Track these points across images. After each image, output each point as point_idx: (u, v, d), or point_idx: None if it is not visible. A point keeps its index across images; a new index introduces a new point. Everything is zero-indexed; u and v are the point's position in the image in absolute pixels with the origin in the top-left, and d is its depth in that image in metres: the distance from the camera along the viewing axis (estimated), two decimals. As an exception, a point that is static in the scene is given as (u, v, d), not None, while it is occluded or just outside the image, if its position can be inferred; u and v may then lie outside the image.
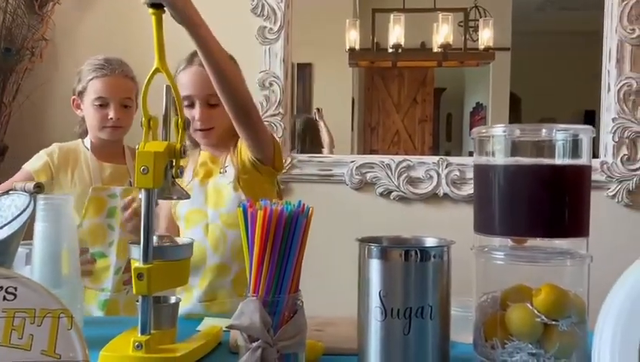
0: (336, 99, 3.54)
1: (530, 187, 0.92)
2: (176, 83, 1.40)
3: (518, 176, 0.92)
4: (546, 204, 0.91)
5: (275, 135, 1.65)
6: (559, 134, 0.96)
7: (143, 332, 0.95)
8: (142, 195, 0.96)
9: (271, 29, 2.31)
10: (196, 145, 1.50)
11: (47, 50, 2.41)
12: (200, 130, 1.41)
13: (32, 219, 0.97)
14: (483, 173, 0.97)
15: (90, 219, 1.63)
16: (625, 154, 2.21)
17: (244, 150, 1.41)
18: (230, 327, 0.76)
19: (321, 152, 3.11)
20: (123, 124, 1.69)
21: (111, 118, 1.66)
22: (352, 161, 2.33)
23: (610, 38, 2.21)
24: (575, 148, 0.95)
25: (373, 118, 3.99)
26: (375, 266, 0.91)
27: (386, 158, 2.33)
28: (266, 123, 1.87)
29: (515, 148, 0.97)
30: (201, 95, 1.41)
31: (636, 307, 0.60)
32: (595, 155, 2.26)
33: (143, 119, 0.99)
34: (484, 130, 0.98)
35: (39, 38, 2.36)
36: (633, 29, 2.17)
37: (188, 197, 1.04)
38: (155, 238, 1.01)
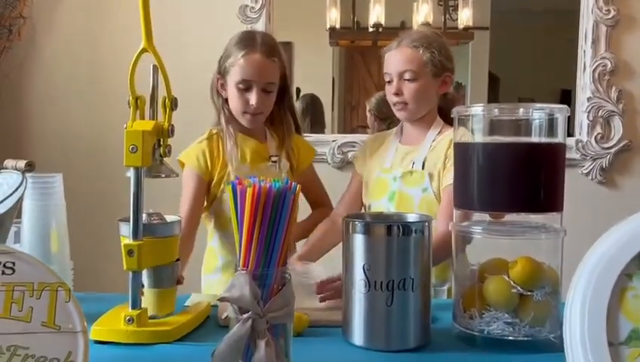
0: (316, 78, 3.55)
1: (507, 164, 0.96)
2: (234, 65, 1.45)
3: (496, 154, 0.96)
4: (522, 180, 0.95)
5: None
6: (536, 113, 1.00)
7: (133, 307, 0.98)
8: (130, 173, 0.97)
9: (252, 7, 2.32)
10: (241, 129, 1.52)
11: (26, 28, 2.38)
12: (252, 113, 1.47)
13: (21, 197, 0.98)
14: (463, 151, 1.01)
15: None
16: (599, 133, 2.27)
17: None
18: (222, 299, 0.79)
19: (322, 132, 3.12)
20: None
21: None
22: (334, 140, 2.37)
23: (587, 19, 2.25)
24: (550, 126, 0.99)
25: (354, 97, 4.01)
26: (359, 241, 0.96)
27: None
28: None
29: (493, 127, 1.01)
30: (261, 82, 1.46)
31: (602, 277, 0.64)
32: (571, 134, 2.32)
33: (130, 98, 1.01)
34: (464, 110, 1.01)
35: (17, 15, 2.33)
36: (609, 10, 2.22)
37: (176, 175, 1.06)
38: (144, 216, 1.03)
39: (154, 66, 1.01)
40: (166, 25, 2.39)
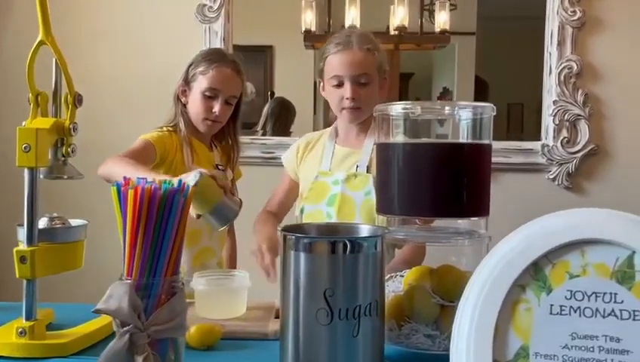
0: (298, 81, 3.49)
1: (427, 166, 0.90)
2: (205, 73, 1.51)
3: (415, 156, 0.90)
4: (443, 183, 0.89)
5: None
6: (461, 112, 0.95)
7: (28, 318, 0.91)
8: (25, 174, 0.91)
9: (211, 7, 2.26)
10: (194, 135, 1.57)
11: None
12: (213, 120, 1.53)
13: None
14: (383, 152, 0.95)
15: None
16: (565, 137, 2.22)
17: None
18: (97, 311, 0.72)
19: (288, 135, 3.07)
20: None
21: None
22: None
23: (552, 20, 2.20)
24: (475, 126, 0.93)
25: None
26: (319, 262, 0.77)
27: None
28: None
29: (416, 127, 0.95)
30: (226, 93, 1.53)
31: (494, 288, 0.58)
32: (537, 138, 2.27)
33: (30, 95, 0.94)
34: (385, 108, 0.95)
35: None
36: (574, 11, 2.17)
37: (82, 176, 0.99)
38: (45, 219, 0.97)
39: (56, 61, 0.95)
40: (122, 23, 2.33)
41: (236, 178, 1.72)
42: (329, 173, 1.47)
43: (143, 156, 1.41)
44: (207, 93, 1.51)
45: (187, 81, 1.55)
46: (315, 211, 1.44)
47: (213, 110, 1.51)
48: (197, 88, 1.52)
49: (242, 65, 1.60)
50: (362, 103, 1.43)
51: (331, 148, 1.51)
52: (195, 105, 1.53)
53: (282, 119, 3.10)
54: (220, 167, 1.61)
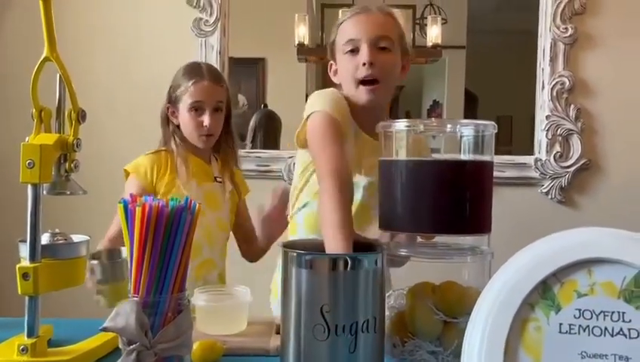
0: (289, 94, 3.50)
1: (430, 183, 0.91)
2: (185, 93, 1.51)
3: (418, 172, 0.91)
4: (445, 200, 0.90)
5: None
6: (464, 130, 0.96)
7: (30, 335, 0.91)
8: (29, 190, 0.91)
9: (207, 20, 2.27)
10: (190, 150, 1.57)
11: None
12: (206, 135, 1.53)
13: None
14: (386, 168, 0.95)
15: None
16: (558, 152, 2.24)
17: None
18: (104, 329, 0.72)
19: (277, 147, 3.08)
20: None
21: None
22: (290, 157, 2.31)
23: (545, 37, 2.23)
24: (477, 144, 0.94)
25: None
26: (316, 278, 0.78)
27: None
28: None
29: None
30: (212, 103, 1.52)
31: (503, 307, 0.59)
32: (530, 152, 2.29)
33: (34, 111, 0.94)
34: (388, 125, 0.96)
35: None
36: (566, 28, 2.20)
37: (84, 192, 0.99)
38: (47, 235, 0.96)
39: (60, 76, 0.95)
40: (120, 37, 2.33)
41: (243, 194, 1.70)
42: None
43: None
44: (193, 109, 1.53)
45: (173, 102, 1.57)
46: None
47: (204, 124, 1.52)
48: (183, 108, 1.54)
49: (221, 74, 1.62)
50: (380, 74, 1.20)
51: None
52: (185, 123, 1.54)
53: (270, 131, 3.12)
54: (218, 179, 1.61)
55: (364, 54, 1.19)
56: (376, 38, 1.20)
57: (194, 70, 1.56)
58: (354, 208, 1.18)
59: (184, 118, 1.55)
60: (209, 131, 1.53)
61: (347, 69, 1.23)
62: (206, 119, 1.52)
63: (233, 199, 1.63)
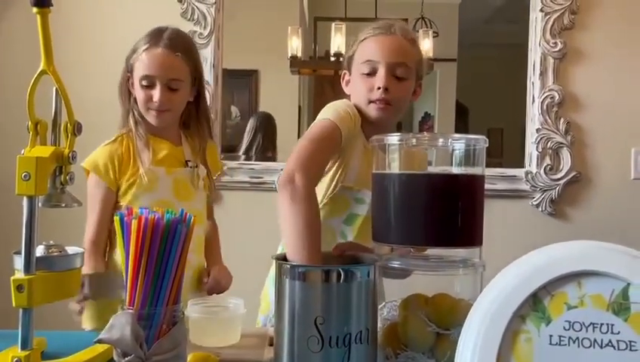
0: (283, 105, 3.53)
1: (422, 196, 0.92)
2: (138, 60, 1.38)
3: (410, 186, 0.92)
4: (436, 213, 0.91)
5: None
6: (455, 144, 0.97)
7: (23, 347, 0.91)
8: (24, 202, 0.91)
9: (201, 33, 2.28)
10: (153, 131, 1.43)
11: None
12: (157, 110, 1.37)
13: None
14: (379, 181, 0.97)
15: None
16: (548, 165, 2.26)
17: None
18: (99, 341, 0.73)
19: (274, 152, 3.09)
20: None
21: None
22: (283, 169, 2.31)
23: (534, 51, 2.27)
24: (468, 157, 0.95)
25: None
26: (311, 290, 0.80)
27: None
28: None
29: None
30: (164, 78, 1.36)
31: (495, 319, 0.60)
32: (521, 165, 2.31)
33: (30, 123, 0.95)
34: (381, 139, 0.97)
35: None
36: (556, 43, 2.24)
37: (80, 204, 0.99)
38: (42, 247, 0.96)
39: (56, 89, 0.96)
40: (112, 50, 2.33)
41: (214, 172, 1.54)
42: (352, 189, 1.25)
43: (103, 211, 1.37)
44: (143, 82, 1.37)
45: (130, 71, 1.40)
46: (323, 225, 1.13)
47: (154, 99, 1.37)
48: (136, 77, 1.39)
49: (185, 43, 1.43)
50: (394, 99, 1.23)
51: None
52: (138, 96, 1.40)
53: (270, 134, 3.14)
54: (190, 164, 1.45)
55: (380, 78, 1.22)
56: (395, 65, 1.23)
57: (152, 34, 1.40)
58: (359, 222, 1.26)
59: (137, 88, 1.39)
60: (160, 107, 1.37)
61: (361, 88, 1.25)
62: (156, 94, 1.36)
63: (211, 183, 1.50)
